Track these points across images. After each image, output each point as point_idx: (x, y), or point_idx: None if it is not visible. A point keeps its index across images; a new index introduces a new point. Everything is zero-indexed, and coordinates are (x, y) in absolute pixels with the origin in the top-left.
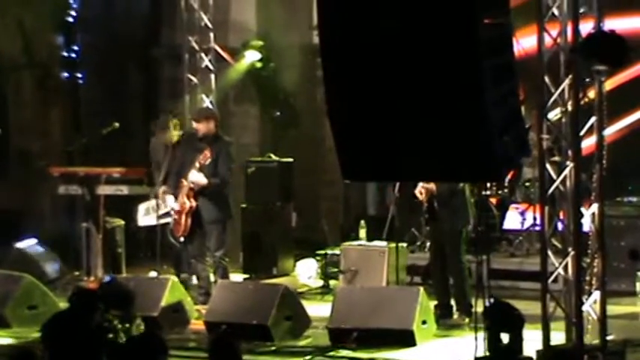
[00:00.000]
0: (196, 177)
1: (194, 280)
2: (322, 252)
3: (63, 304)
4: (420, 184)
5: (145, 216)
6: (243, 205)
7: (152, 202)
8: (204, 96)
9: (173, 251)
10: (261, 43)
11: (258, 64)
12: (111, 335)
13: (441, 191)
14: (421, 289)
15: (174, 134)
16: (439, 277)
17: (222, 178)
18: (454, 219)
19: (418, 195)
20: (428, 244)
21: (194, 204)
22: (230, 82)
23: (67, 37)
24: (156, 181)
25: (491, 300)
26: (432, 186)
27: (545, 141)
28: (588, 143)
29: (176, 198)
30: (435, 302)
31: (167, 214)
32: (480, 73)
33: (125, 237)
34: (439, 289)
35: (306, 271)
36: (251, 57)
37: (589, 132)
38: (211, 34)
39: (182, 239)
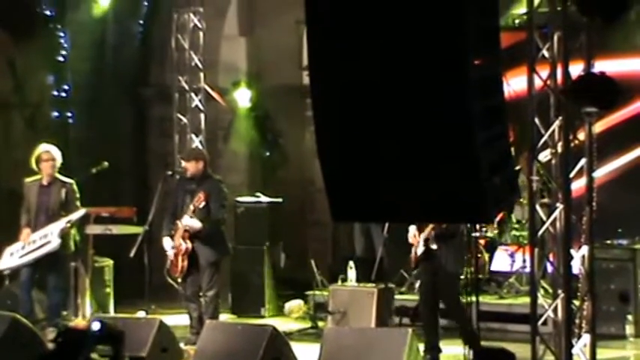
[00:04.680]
0: (190, 222)
1: None
2: (310, 293)
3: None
4: (413, 230)
5: (9, 258)
6: (232, 245)
7: (18, 245)
8: (193, 136)
9: None
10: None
11: (248, 105)
12: None
13: (441, 232)
14: (410, 330)
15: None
16: (429, 318)
17: (216, 218)
18: (453, 261)
19: (411, 240)
20: (417, 285)
21: (190, 246)
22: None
23: (57, 77)
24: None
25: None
26: (428, 230)
27: (535, 182)
28: (578, 185)
29: (172, 239)
30: (424, 345)
31: (28, 254)
32: (470, 114)
33: (114, 277)
34: (429, 330)
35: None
36: (241, 97)
37: (579, 174)
38: (201, 74)
39: (179, 279)
